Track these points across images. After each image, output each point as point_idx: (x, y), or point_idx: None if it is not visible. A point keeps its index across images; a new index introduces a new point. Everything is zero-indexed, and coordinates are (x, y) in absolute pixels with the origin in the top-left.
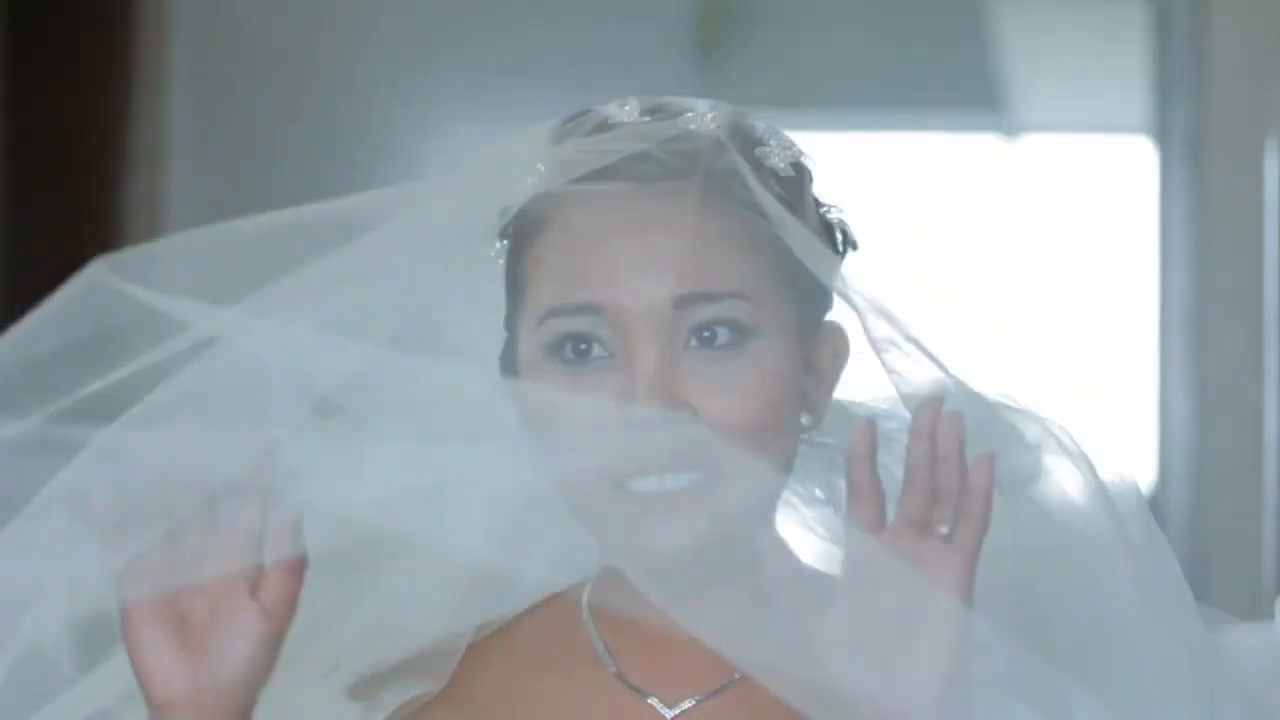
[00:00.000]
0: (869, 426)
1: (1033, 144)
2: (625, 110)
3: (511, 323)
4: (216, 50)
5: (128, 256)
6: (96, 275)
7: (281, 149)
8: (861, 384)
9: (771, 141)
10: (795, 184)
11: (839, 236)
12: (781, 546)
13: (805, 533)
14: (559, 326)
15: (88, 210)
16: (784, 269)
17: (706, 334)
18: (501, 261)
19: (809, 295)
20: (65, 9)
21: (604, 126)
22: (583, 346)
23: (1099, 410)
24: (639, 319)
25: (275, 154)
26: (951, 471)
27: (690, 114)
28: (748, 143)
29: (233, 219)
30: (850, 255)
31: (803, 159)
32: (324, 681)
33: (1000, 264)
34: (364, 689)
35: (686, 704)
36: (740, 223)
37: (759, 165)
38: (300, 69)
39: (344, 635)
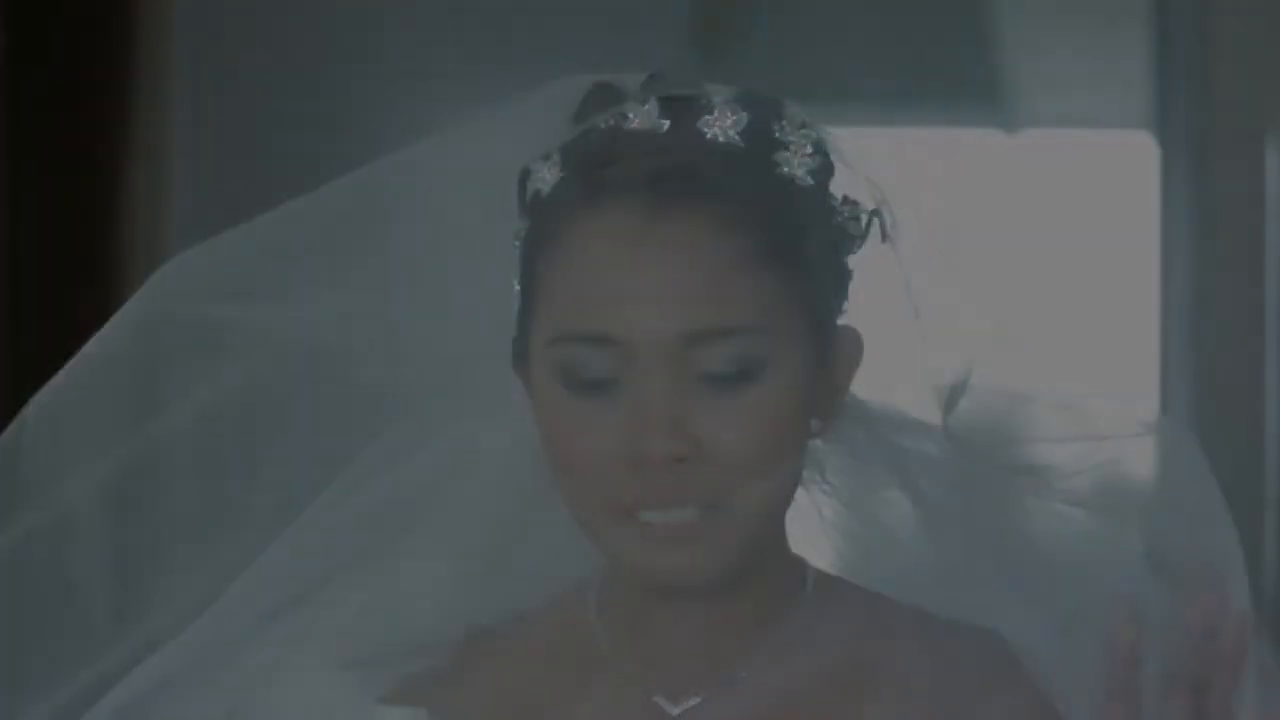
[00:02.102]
0: (1129, 620)
1: (1033, 139)
2: (645, 110)
3: (523, 320)
4: (216, 50)
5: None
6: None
7: (282, 148)
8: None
9: (793, 144)
10: (813, 191)
11: (874, 229)
12: (788, 551)
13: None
14: (568, 353)
15: (88, 210)
16: (798, 285)
17: (717, 369)
18: (517, 243)
19: (822, 307)
20: (65, 9)
21: (619, 134)
22: (591, 375)
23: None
24: (648, 352)
25: (275, 153)
26: (1229, 679)
27: (709, 117)
28: (767, 148)
29: (234, 219)
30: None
31: (826, 157)
32: (323, 655)
33: (999, 259)
34: (362, 664)
35: (691, 701)
36: (753, 243)
37: (775, 173)
38: (301, 68)
39: (346, 613)
